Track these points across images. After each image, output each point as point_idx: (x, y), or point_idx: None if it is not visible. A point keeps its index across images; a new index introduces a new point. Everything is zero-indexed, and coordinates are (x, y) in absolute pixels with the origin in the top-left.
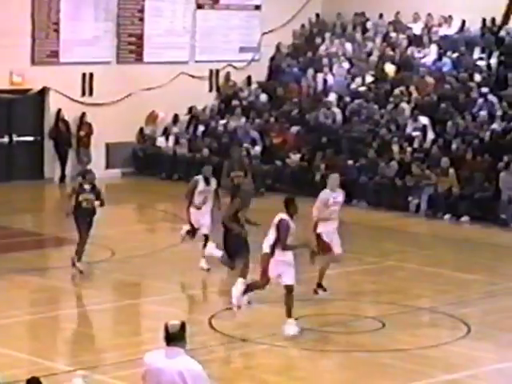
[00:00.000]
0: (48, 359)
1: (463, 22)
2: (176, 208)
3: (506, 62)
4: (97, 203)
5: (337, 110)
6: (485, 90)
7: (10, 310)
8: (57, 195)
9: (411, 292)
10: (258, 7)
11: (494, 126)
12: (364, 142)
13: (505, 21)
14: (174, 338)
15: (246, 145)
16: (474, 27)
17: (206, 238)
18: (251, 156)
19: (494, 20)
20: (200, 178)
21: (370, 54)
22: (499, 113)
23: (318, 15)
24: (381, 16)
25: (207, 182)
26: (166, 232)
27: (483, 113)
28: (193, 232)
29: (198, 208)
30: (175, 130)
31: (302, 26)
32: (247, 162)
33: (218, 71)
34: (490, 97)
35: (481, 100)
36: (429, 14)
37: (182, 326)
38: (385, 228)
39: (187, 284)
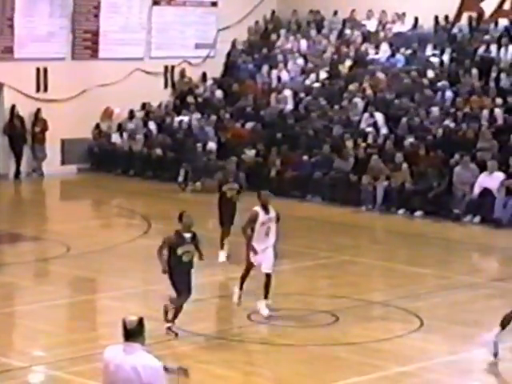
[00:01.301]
0: (2, 355)
1: (416, 20)
2: (131, 204)
3: (458, 58)
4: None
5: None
6: (444, 84)
7: None
8: (11, 191)
9: (364, 286)
10: (214, 4)
11: (447, 122)
12: (318, 137)
13: (457, 18)
14: (132, 333)
15: (200, 142)
16: (427, 24)
17: (268, 278)
18: (207, 151)
19: (446, 17)
20: (258, 208)
21: (324, 50)
22: (452, 109)
23: (273, 12)
24: (335, 13)
25: (266, 209)
26: (122, 228)
27: (435, 109)
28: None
29: (256, 253)
30: (131, 126)
31: (257, 22)
32: (242, 174)
33: (173, 67)
34: (448, 93)
35: (435, 96)
36: (383, 11)
37: (140, 321)
38: (339, 223)
39: (143, 279)
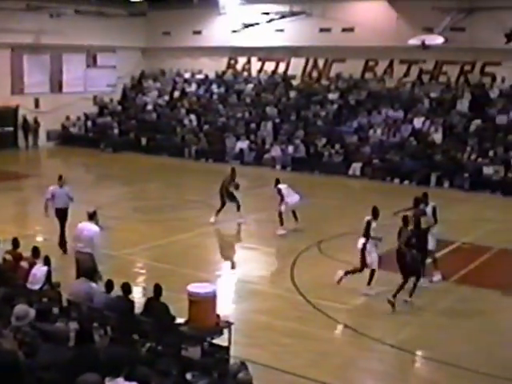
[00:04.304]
0: None
1: (206, 74)
2: (80, 158)
3: (226, 90)
4: None
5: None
6: (217, 100)
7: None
8: (24, 155)
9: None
10: (114, 66)
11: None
12: (166, 127)
13: (226, 72)
14: (90, 217)
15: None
16: (212, 75)
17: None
18: (115, 134)
19: (222, 73)
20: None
21: (167, 87)
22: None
23: (143, 70)
24: (171, 70)
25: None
26: (77, 167)
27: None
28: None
29: None
30: (78, 123)
31: (135, 74)
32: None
33: (96, 96)
34: (221, 106)
35: (217, 102)
36: (192, 69)
37: (94, 212)
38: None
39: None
